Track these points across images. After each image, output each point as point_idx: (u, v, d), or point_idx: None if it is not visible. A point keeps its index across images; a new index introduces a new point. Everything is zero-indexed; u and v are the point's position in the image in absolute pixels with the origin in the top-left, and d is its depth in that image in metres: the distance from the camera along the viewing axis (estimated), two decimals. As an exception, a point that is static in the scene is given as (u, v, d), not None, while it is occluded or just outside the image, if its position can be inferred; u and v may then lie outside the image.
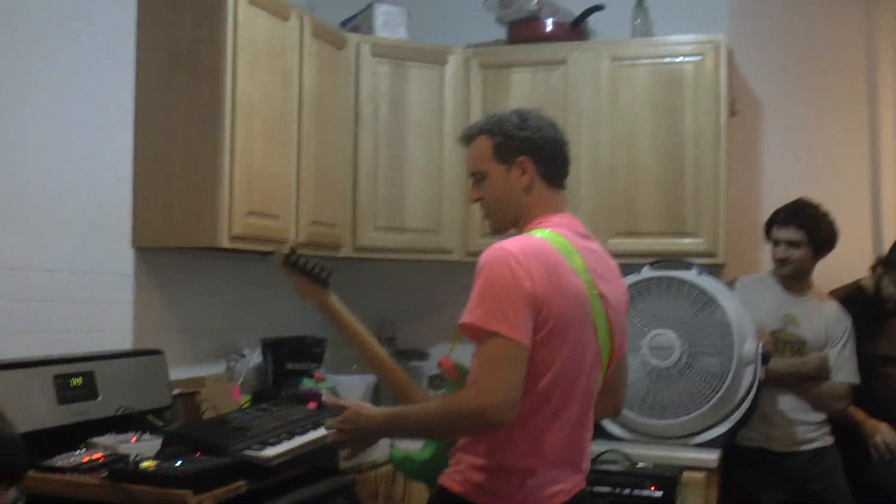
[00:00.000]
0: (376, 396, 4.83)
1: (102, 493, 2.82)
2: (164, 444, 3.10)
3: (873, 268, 4.44)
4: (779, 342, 4.26)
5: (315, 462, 3.35)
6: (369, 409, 2.61)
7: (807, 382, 4.24)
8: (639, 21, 4.85)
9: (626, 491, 3.84)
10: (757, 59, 4.94)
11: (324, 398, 3.43)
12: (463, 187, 4.70)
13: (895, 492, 4.24)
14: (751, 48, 4.91)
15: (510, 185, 2.63)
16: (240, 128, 3.80)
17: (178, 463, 2.90)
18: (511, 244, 2.44)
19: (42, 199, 3.48)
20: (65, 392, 3.26)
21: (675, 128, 4.54)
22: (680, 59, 4.57)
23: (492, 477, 2.49)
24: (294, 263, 2.97)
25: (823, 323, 4.29)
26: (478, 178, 2.68)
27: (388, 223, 4.72)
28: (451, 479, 2.54)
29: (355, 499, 3.48)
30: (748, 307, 4.21)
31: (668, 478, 3.85)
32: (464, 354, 2.57)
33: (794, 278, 4.30)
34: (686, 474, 3.96)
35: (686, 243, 4.50)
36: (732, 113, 4.66)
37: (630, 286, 4.09)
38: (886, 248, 4.60)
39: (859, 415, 4.34)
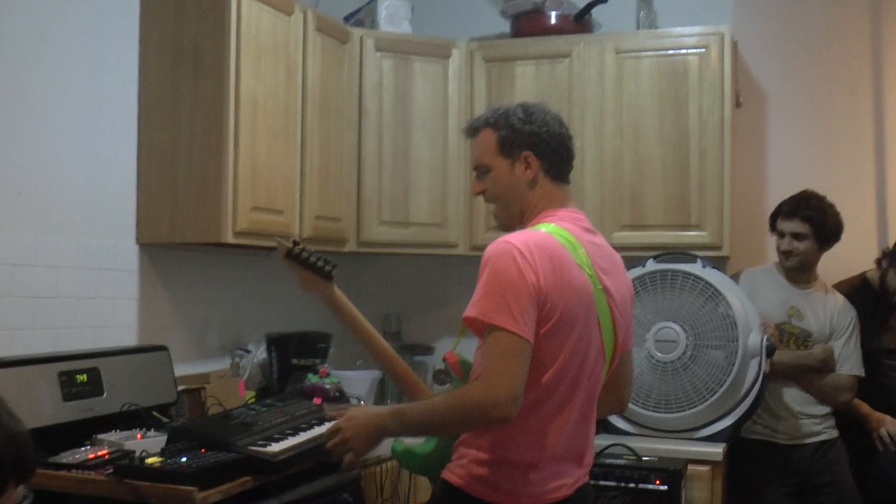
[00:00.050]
0: (381, 392, 4.84)
1: (108, 490, 2.82)
2: (169, 441, 3.10)
3: (878, 261, 4.43)
4: (784, 335, 4.26)
5: (321, 457, 3.35)
6: (372, 407, 2.61)
7: (812, 375, 4.24)
8: (643, 13, 4.84)
9: (632, 485, 3.84)
10: (762, 51, 4.94)
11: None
12: (468, 181, 4.70)
13: (900, 484, 4.25)
14: (755, 40, 4.90)
15: (514, 179, 2.63)
16: (244, 123, 3.79)
17: (184, 459, 2.89)
18: (516, 238, 2.44)
19: (46, 195, 3.48)
20: (70, 389, 3.26)
21: (680, 120, 4.53)
22: (684, 51, 4.55)
23: (495, 471, 2.49)
24: (297, 257, 2.97)
25: (828, 315, 4.29)
26: (481, 171, 2.69)
27: (393, 217, 4.72)
28: (453, 473, 2.55)
29: (361, 494, 3.49)
30: (753, 300, 4.21)
31: (673, 471, 3.85)
32: (469, 349, 2.57)
33: (799, 271, 4.29)
34: (691, 468, 3.96)
35: (691, 236, 4.49)
36: (737, 105, 4.65)
37: (635, 279, 4.10)
38: (892, 240, 4.60)
39: (864, 407, 4.35)
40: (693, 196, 4.49)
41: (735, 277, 4.37)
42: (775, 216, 4.32)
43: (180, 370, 3.89)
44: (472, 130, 2.72)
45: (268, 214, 3.95)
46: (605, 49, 4.66)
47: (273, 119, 3.99)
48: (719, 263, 4.44)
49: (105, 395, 3.40)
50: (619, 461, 3.92)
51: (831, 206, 4.24)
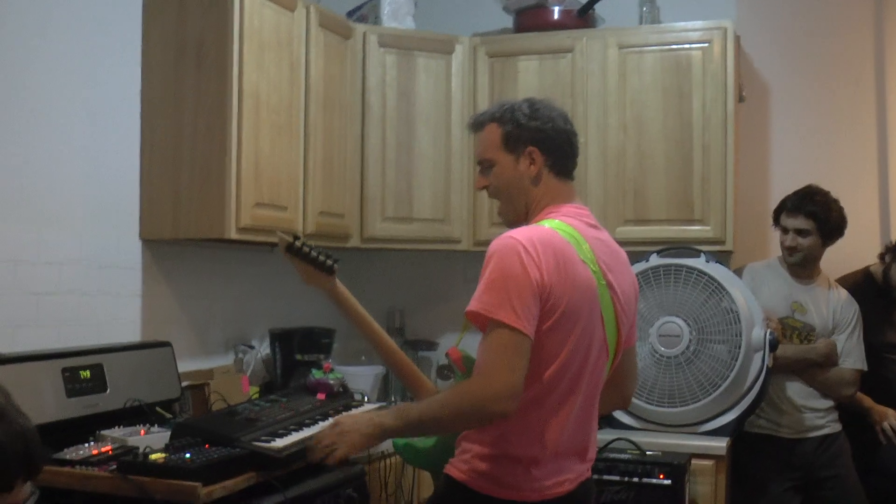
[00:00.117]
0: (385, 387, 4.84)
1: (112, 486, 2.82)
2: (173, 437, 3.10)
3: (882, 255, 4.42)
4: (787, 329, 4.26)
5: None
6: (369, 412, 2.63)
7: (815, 369, 4.24)
8: (646, 8, 4.85)
9: (636, 479, 3.85)
10: (765, 46, 4.93)
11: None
12: (471, 177, 4.70)
13: (903, 478, 4.26)
14: (758, 34, 4.90)
15: (518, 174, 2.63)
16: (247, 119, 3.79)
17: (188, 455, 2.89)
18: (520, 234, 2.44)
19: (50, 191, 3.48)
20: (73, 385, 3.27)
21: (683, 115, 4.53)
22: (687, 45, 4.55)
23: (497, 466, 2.49)
24: (298, 251, 2.97)
25: (831, 310, 4.28)
26: (485, 165, 2.69)
27: (397, 213, 4.72)
28: (456, 468, 2.55)
29: (365, 489, 3.48)
30: (756, 294, 4.22)
31: (676, 465, 3.85)
32: (472, 345, 2.56)
33: (803, 266, 4.29)
34: (695, 462, 3.97)
35: (694, 230, 4.49)
36: (740, 99, 4.65)
37: (638, 274, 4.10)
38: (895, 234, 4.60)
39: (867, 401, 4.35)
40: (696, 191, 4.49)
41: (738, 272, 4.37)
42: (779, 211, 4.31)
43: (184, 366, 3.90)
44: (477, 125, 2.72)
45: (271, 210, 3.95)
46: (608, 44, 4.66)
47: (276, 115, 3.98)
48: (722, 258, 4.44)
49: (108, 391, 3.40)
50: (622, 455, 3.94)
51: (835, 202, 4.23)
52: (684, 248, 4.36)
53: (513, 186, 2.64)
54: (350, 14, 4.92)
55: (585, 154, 4.38)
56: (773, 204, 4.38)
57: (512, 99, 2.72)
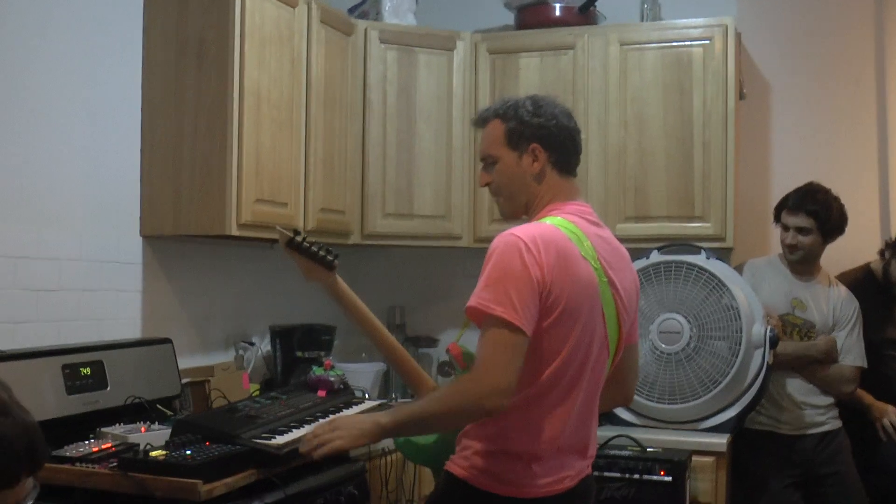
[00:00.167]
0: (385, 384, 4.84)
1: (112, 483, 2.82)
2: (173, 434, 3.09)
3: (882, 252, 4.42)
4: (787, 326, 4.26)
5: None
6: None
7: (815, 366, 4.24)
8: (647, 5, 4.85)
9: (636, 475, 3.85)
10: (765, 43, 4.93)
11: None
12: (472, 173, 4.70)
13: (904, 474, 4.26)
14: (759, 31, 4.89)
15: (521, 171, 2.63)
16: (248, 115, 3.79)
17: (188, 452, 2.89)
18: (522, 231, 2.44)
19: (50, 188, 3.48)
20: (74, 382, 3.26)
21: (684, 112, 4.53)
22: (688, 42, 4.55)
23: (497, 463, 2.49)
24: (298, 246, 2.97)
25: (831, 306, 4.28)
26: (489, 162, 2.68)
27: (397, 210, 4.72)
28: (456, 464, 2.55)
29: (365, 486, 3.48)
30: (757, 291, 4.22)
31: (677, 462, 3.85)
32: (473, 341, 2.56)
33: (803, 263, 4.29)
34: (695, 458, 3.97)
35: (695, 227, 4.49)
36: (741, 96, 4.65)
37: (639, 271, 4.09)
38: (895, 231, 4.59)
39: (867, 398, 4.35)
40: (697, 187, 4.49)
41: (739, 268, 4.38)
42: (780, 209, 4.31)
43: (184, 363, 3.90)
44: (481, 121, 2.72)
45: (272, 207, 3.95)
46: (610, 41, 4.65)
47: (277, 111, 3.98)
48: (723, 255, 4.44)
49: (109, 388, 3.40)
50: (623, 452, 3.93)
51: (836, 200, 4.23)
52: (685, 244, 4.36)
53: (515, 183, 2.64)
54: (351, 10, 4.92)
55: (586, 151, 4.33)
56: (774, 201, 4.38)
57: (515, 95, 2.72)
